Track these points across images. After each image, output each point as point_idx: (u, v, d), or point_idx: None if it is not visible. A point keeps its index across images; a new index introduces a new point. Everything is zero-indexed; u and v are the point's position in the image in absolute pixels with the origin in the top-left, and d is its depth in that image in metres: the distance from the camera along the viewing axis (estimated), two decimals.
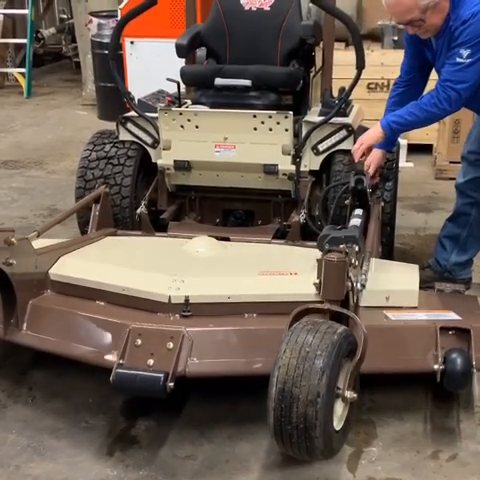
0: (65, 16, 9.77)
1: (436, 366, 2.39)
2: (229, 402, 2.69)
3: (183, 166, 3.41)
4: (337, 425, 2.14)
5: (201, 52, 3.82)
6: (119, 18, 5.75)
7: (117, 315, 2.60)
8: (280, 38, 3.60)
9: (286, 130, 3.24)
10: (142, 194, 3.54)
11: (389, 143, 3.13)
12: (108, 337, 2.54)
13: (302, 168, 3.39)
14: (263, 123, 3.25)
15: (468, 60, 2.74)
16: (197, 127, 3.33)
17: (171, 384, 2.32)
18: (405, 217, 4.34)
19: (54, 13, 10.37)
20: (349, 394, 2.12)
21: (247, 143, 3.30)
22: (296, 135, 3.37)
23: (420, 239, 4.14)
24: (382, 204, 3.28)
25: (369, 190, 3.06)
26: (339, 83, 3.58)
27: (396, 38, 5.49)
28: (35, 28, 8.48)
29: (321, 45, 3.70)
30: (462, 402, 2.69)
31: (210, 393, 2.74)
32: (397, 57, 5.08)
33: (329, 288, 2.33)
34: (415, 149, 5.40)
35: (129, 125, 3.55)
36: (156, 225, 3.48)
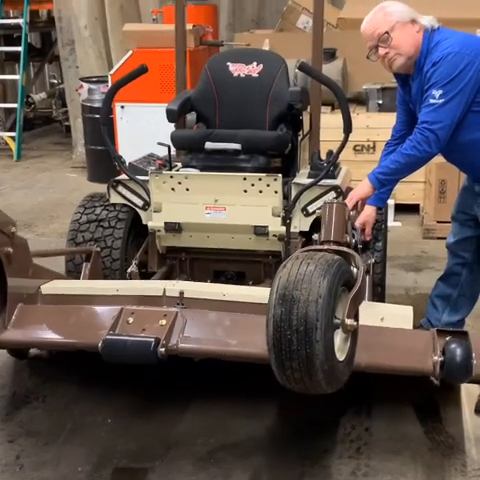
0: (55, 81, 9.94)
1: (435, 357, 2.33)
2: (222, 469, 2.64)
3: (174, 228, 3.43)
4: (340, 356, 2.09)
5: (191, 116, 3.89)
6: (109, 84, 5.87)
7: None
8: (268, 103, 3.67)
9: (276, 192, 3.28)
10: (132, 256, 3.54)
11: (380, 199, 3.16)
12: (98, 321, 2.48)
13: (292, 229, 3.41)
14: (253, 185, 3.29)
15: (441, 100, 2.80)
16: (188, 190, 3.36)
17: (162, 350, 2.28)
18: (395, 276, 4.36)
19: (45, 78, 10.55)
20: (349, 321, 2.07)
21: (237, 205, 3.33)
22: (286, 197, 3.40)
23: (411, 299, 4.14)
24: (373, 260, 3.30)
25: (360, 246, 3.08)
26: (327, 145, 3.65)
27: (381, 101, 5.62)
28: (26, 93, 8.61)
29: (308, 109, 3.79)
30: (458, 465, 2.64)
31: (202, 461, 2.68)
32: (382, 120, 5.28)
33: (329, 229, 2.34)
34: (402, 209, 5.47)
35: (120, 188, 3.58)
36: None
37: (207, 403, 3.05)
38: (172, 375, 3.25)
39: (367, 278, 3.24)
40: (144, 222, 3.55)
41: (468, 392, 3.06)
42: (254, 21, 7.76)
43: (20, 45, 8.06)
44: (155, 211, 3.44)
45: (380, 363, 2.40)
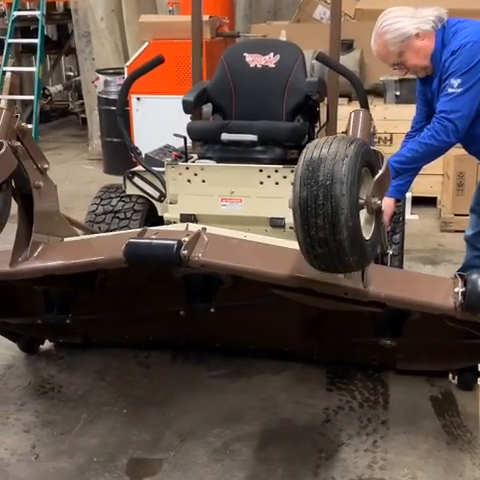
0: (72, 73, 9.95)
1: (456, 289, 2.32)
2: (237, 461, 2.63)
3: (189, 219, 3.41)
4: (366, 235, 2.11)
5: (207, 108, 3.87)
6: (125, 75, 5.87)
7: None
8: (285, 94, 3.64)
9: (292, 184, 3.25)
10: None
11: (399, 192, 3.13)
12: (122, 241, 2.42)
13: None
14: (269, 177, 3.27)
15: (459, 89, 2.80)
16: (204, 181, 3.34)
17: (185, 252, 2.30)
18: (412, 269, 4.30)
19: (61, 71, 10.57)
20: (374, 200, 2.10)
21: (253, 197, 3.31)
22: None
23: None
24: (390, 252, 3.27)
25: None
26: None
27: (398, 93, 5.57)
28: (42, 85, 8.63)
29: (325, 100, 3.76)
30: (477, 460, 2.61)
31: (217, 452, 2.68)
32: (400, 112, 5.23)
33: (355, 133, 2.35)
34: (419, 202, 5.42)
35: (136, 179, 3.57)
36: None
37: (222, 394, 3.04)
38: (187, 367, 3.26)
39: None
40: (160, 213, 3.55)
41: None
42: (271, 12, 7.71)
43: (37, 37, 8.06)
44: (171, 203, 3.42)
45: (400, 296, 2.38)
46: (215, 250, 2.40)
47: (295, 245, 2.28)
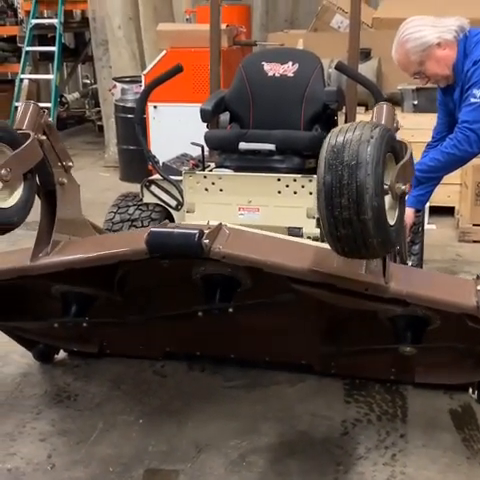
0: (88, 81, 10.02)
1: (479, 287, 2.32)
2: (254, 473, 2.61)
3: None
4: (390, 220, 2.10)
5: (224, 116, 3.87)
6: (143, 83, 5.89)
7: None
8: (303, 103, 3.64)
9: (310, 193, 3.24)
10: None
11: (420, 202, 3.11)
12: (142, 234, 2.43)
13: None
14: (287, 186, 3.26)
15: None
16: (221, 190, 3.34)
17: (207, 241, 2.32)
18: None
19: (78, 78, 10.65)
20: (398, 186, 2.09)
21: (271, 206, 3.30)
22: None
23: None
24: (410, 263, 3.24)
25: (397, 247, 3.02)
26: None
27: (416, 102, 5.54)
28: (59, 93, 8.68)
29: (343, 110, 3.75)
30: None
31: (233, 464, 2.66)
32: (417, 121, 5.20)
33: (379, 121, 2.35)
34: (437, 211, 5.38)
35: (153, 188, 3.58)
36: None
37: (238, 405, 3.02)
38: (204, 376, 3.24)
39: None
40: (177, 222, 3.54)
41: None
42: (287, 21, 7.72)
43: (54, 45, 8.14)
44: (188, 211, 3.43)
45: (421, 293, 2.37)
46: (236, 242, 2.42)
47: (315, 244, 2.26)
